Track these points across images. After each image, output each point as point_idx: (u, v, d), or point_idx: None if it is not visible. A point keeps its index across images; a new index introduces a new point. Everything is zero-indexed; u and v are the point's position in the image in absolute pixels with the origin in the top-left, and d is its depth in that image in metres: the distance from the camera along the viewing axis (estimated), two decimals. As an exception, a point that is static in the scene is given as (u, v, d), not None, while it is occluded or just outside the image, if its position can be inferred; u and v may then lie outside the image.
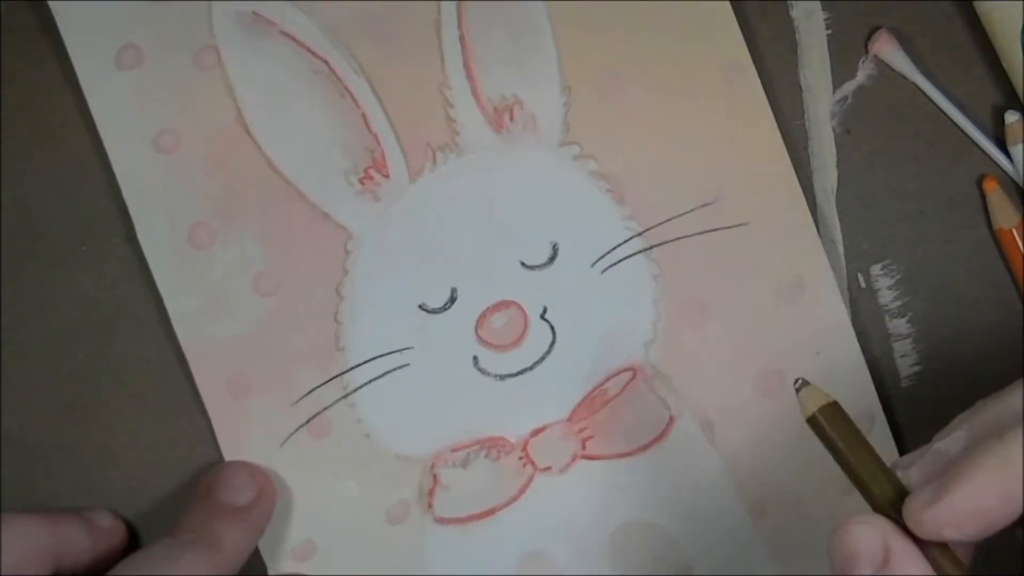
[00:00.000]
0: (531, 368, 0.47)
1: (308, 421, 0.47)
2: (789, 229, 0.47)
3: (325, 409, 0.47)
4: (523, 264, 0.47)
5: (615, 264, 0.47)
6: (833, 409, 0.38)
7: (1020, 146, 0.47)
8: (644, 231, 0.47)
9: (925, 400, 0.48)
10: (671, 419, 0.47)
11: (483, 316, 0.47)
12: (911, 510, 0.36)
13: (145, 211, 0.47)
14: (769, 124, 0.47)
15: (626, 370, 0.47)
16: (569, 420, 0.47)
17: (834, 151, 0.48)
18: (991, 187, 0.47)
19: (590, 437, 0.47)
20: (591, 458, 0.47)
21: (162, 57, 0.47)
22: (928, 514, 0.36)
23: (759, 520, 0.47)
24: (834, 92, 0.48)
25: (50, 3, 0.47)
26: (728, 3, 0.47)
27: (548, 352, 0.47)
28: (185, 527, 0.44)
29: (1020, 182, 0.48)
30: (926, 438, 0.48)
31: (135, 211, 0.47)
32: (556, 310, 0.47)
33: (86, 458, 0.48)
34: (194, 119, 0.47)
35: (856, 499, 0.45)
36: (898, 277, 0.48)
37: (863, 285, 0.48)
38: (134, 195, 0.47)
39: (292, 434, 0.47)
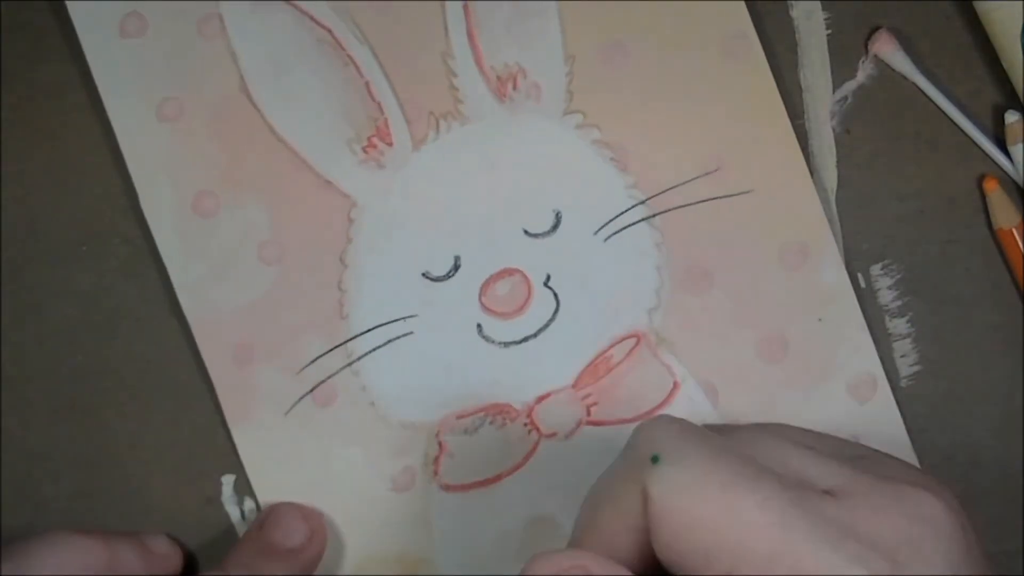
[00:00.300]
0: (535, 335, 0.47)
1: (313, 389, 0.47)
2: (792, 196, 0.47)
3: (330, 377, 0.47)
4: (526, 232, 0.47)
5: (618, 232, 0.47)
6: None
7: (1020, 146, 0.47)
8: (647, 199, 0.47)
9: (925, 400, 0.48)
10: (675, 385, 0.47)
11: (487, 284, 0.47)
12: None
13: (149, 180, 0.47)
14: (771, 93, 0.47)
15: (630, 337, 0.47)
16: (573, 386, 0.47)
17: (834, 151, 0.49)
18: (991, 187, 0.48)
19: (594, 403, 0.47)
20: (596, 424, 0.47)
21: (165, 26, 0.47)
22: None
23: None
24: (834, 92, 0.48)
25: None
26: None
27: (552, 319, 0.47)
28: (234, 562, 0.44)
29: (1020, 182, 0.48)
30: (926, 438, 0.49)
31: (138, 180, 0.47)
32: (559, 277, 0.47)
33: (86, 458, 0.48)
34: (197, 88, 0.47)
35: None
36: (898, 277, 0.48)
37: (863, 285, 0.48)
38: (138, 164, 0.47)
39: (297, 402, 0.47)
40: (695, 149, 0.47)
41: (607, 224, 0.47)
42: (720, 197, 0.47)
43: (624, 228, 0.47)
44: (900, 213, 0.48)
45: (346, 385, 0.47)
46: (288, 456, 0.47)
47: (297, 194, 0.47)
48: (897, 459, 0.41)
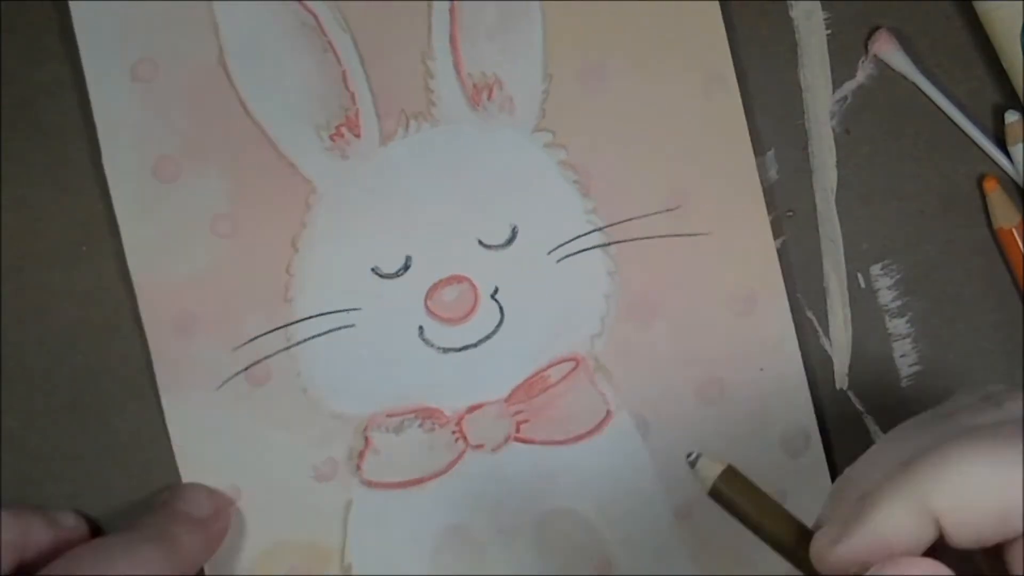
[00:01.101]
0: (475, 345, 0.47)
1: (248, 368, 0.47)
2: (749, 245, 0.47)
3: (266, 358, 0.47)
4: (481, 242, 0.47)
5: (572, 255, 0.47)
6: (731, 473, 0.37)
7: (1020, 146, 0.48)
8: (605, 226, 0.47)
9: (925, 400, 0.48)
10: (608, 414, 0.47)
11: (434, 287, 0.47)
12: (815, 549, 0.35)
13: (114, 137, 0.47)
14: (743, 138, 0.47)
15: (569, 359, 0.47)
16: (507, 401, 0.47)
17: (834, 151, 0.49)
18: (991, 186, 0.48)
19: (525, 421, 0.47)
20: (524, 441, 0.47)
21: None
22: (832, 552, 0.35)
23: (683, 522, 0.47)
24: (834, 92, 0.49)
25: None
26: (719, 15, 0.47)
27: (494, 331, 0.47)
28: (144, 523, 0.44)
29: (1020, 182, 0.48)
30: None
31: (103, 136, 0.47)
32: (507, 291, 0.47)
33: (86, 458, 0.48)
34: (175, 52, 0.47)
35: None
36: (898, 277, 0.49)
37: (863, 285, 0.48)
38: (105, 120, 0.47)
39: (230, 378, 0.47)
40: (659, 183, 0.47)
41: (562, 246, 0.47)
42: (678, 235, 0.47)
43: (578, 252, 0.47)
44: (900, 213, 0.49)
45: (281, 368, 0.47)
46: (215, 431, 0.47)
47: (258, 172, 0.47)
48: None
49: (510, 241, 0.47)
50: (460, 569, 0.47)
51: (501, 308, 0.47)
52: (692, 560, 0.47)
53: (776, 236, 0.48)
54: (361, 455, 0.47)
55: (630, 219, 0.47)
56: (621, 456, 0.47)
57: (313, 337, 0.47)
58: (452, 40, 0.47)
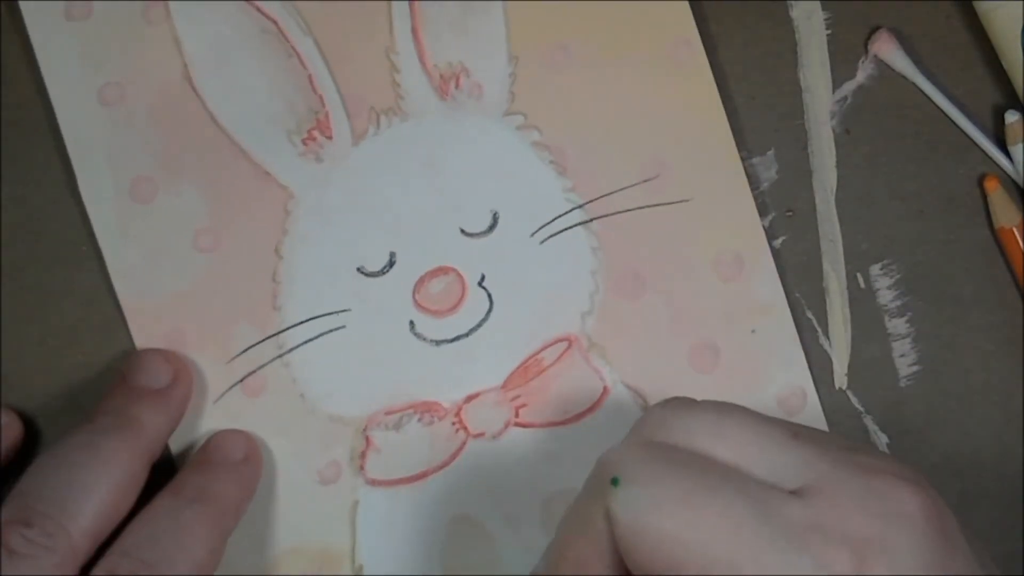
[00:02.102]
0: (467, 335, 0.47)
1: (242, 379, 0.47)
2: (730, 207, 0.47)
3: (260, 368, 0.47)
4: (463, 231, 0.47)
5: (555, 235, 0.47)
6: None
7: (1020, 146, 0.48)
8: (585, 203, 0.47)
9: (924, 400, 0.48)
10: (605, 390, 0.47)
11: (421, 281, 0.47)
12: None
13: (87, 163, 0.47)
14: (713, 101, 0.47)
15: (561, 340, 0.47)
16: (503, 387, 0.47)
17: (834, 151, 0.49)
18: (992, 186, 0.48)
19: (523, 405, 0.47)
20: (524, 426, 0.47)
21: (110, 9, 0.47)
22: None
23: None
24: (834, 92, 0.49)
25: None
26: None
27: (484, 319, 0.47)
28: (103, 411, 0.44)
29: (1020, 182, 0.48)
30: (926, 439, 0.49)
31: (77, 163, 0.47)
32: (494, 278, 0.47)
33: None
34: (140, 73, 0.47)
35: None
36: (898, 277, 0.49)
37: (862, 285, 0.48)
38: (76, 146, 0.47)
39: (226, 391, 0.47)
40: (635, 155, 0.47)
41: (544, 227, 0.47)
42: (658, 205, 0.47)
43: (560, 231, 0.47)
44: (900, 213, 0.49)
45: (276, 376, 0.47)
46: None
47: (235, 183, 0.47)
48: (876, 449, 0.41)
49: (492, 227, 0.47)
50: (471, 560, 0.47)
51: (489, 295, 0.47)
52: None
53: (775, 237, 0.48)
54: (363, 455, 0.47)
55: (609, 194, 0.47)
56: (622, 431, 0.46)
57: (305, 343, 0.47)
58: (414, 32, 0.47)
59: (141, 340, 0.47)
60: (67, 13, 0.47)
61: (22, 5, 0.47)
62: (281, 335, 0.47)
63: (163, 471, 0.46)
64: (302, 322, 0.47)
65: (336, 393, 0.47)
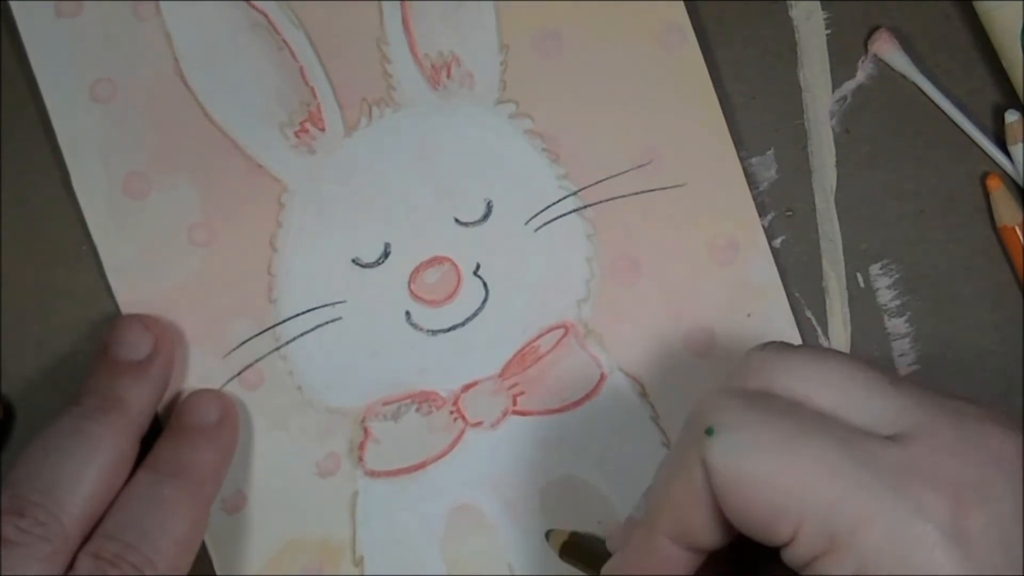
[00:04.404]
0: (463, 324, 0.47)
1: (240, 372, 0.47)
2: (724, 191, 0.47)
3: (257, 361, 0.47)
4: (457, 221, 0.47)
5: (549, 222, 0.47)
6: (574, 539, 0.46)
7: (1020, 145, 0.48)
8: (579, 190, 0.47)
9: None
10: (602, 376, 0.47)
11: (416, 271, 0.47)
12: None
13: (81, 160, 0.47)
14: (706, 87, 0.47)
15: (558, 327, 0.47)
16: (500, 376, 0.47)
17: (833, 151, 0.49)
18: (995, 185, 0.48)
19: (521, 393, 0.47)
20: (522, 414, 0.47)
21: (101, 6, 0.47)
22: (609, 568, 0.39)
23: None
24: (833, 92, 0.49)
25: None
26: None
27: (480, 308, 0.47)
28: (88, 390, 0.44)
29: (1020, 182, 0.48)
30: None
31: (70, 160, 0.47)
32: (489, 267, 0.47)
33: None
34: (131, 69, 0.47)
35: None
36: (897, 276, 0.49)
37: (862, 285, 0.49)
38: (69, 143, 0.47)
39: (224, 385, 0.47)
40: (628, 141, 0.47)
41: (538, 215, 0.47)
42: (652, 190, 0.47)
43: (555, 219, 0.47)
44: (899, 213, 0.49)
45: (273, 369, 0.47)
46: None
47: (228, 177, 0.47)
48: (973, 398, 0.41)
49: (486, 216, 0.47)
50: (472, 548, 0.47)
51: (485, 284, 0.47)
52: None
53: (775, 236, 0.48)
54: (362, 446, 0.47)
55: (603, 180, 0.47)
56: (620, 417, 0.47)
57: (301, 335, 0.47)
58: (405, 23, 0.47)
59: None
60: (57, 10, 0.47)
61: (12, 4, 0.47)
62: (277, 328, 0.47)
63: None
64: (298, 314, 0.47)
65: (333, 385, 0.47)
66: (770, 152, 0.49)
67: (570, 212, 0.47)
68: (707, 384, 0.47)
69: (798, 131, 0.49)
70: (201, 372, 0.47)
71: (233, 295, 0.47)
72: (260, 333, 0.47)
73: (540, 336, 0.47)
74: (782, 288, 0.47)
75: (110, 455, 0.43)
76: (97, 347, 0.46)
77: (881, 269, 0.49)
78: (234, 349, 0.47)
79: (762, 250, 0.47)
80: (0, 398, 0.47)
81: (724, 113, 0.48)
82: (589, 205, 0.47)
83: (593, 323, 0.47)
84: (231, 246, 0.47)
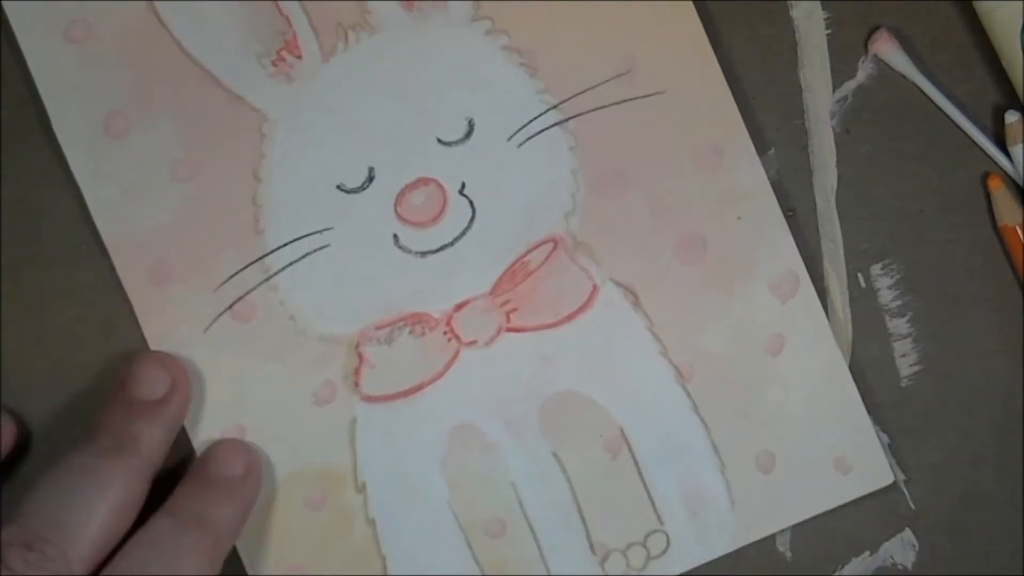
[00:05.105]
0: (451, 244, 0.47)
1: (231, 306, 0.47)
2: (705, 97, 0.47)
3: (248, 293, 0.47)
4: (440, 141, 0.47)
5: (532, 137, 0.47)
6: None
7: (1020, 146, 0.48)
8: (559, 103, 0.47)
9: (926, 401, 0.49)
10: (594, 288, 0.47)
11: (401, 194, 0.47)
12: None
13: (60, 103, 0.47)
14: None
15: (547, 241, 0.47)
16: (492, 293, 0.47)
17: (834, 151, 0.49)
18: (996, 185, 0.48)
19: (514, 309, 0.47)
20: (516, 330, 0.47)
21: None
22: None
23: (687, 383, 0.47)
24: (834, 92, 0.49)
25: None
26: None
27: (468, 227, 0.47)
28: (103, 428, 0.44)
29: (1020, 182, 0.48)
30: (926, 438, 0.49)
31: (49, 103, 0.47)
32: (475, 185, 0.47)
33: None
34: (104, 9, 0.47)
35: (783, 359, 0.47)
36: (898, 277, 0.49)
37: (863, 285, 0.49)
38: (48, 87, 0.47)
39: (216, 319, 0.47)
40: (606, 51, 0.47)
41: (520, 130, 0.47)
42: (632, 99, 0.47)
43: (537, 133, 0.47)
44: (900, 213, 0.49)
45: (264, 300, 0.47)
46: (208, 373, 0.47)
47: (208, 111, 0.47)
48: None
49: (468, 135, 0.47)
50: (474, 467, 0.47)
51: (471, 203, 0.47)
52: (702, 419, 0.47)
53: None
54: (357, 372, 0.47)
55: (583, 92, 0.47)
56: (615, 328, 0.47)
57: (290, 264, 0.47)
58: None
59: (126, 275, 0.47)
60: None
61: None
62: (266, 258, 0.47)
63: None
64: (286, 244, 0.47)
65: (325, 312, 0.47)
66: (771, 152, 0.49)
67: (552, 126, 0.47)
68: (700, 291, 0.47)
69: (798, 131, 0.49)
70: (192, 308, 0.47)
71: (219, 229, 0.47)
72: (249, 265, 0.47)
73: (530, 251, 0.47)
74: (770, 189, 0.47)
75: (121, 496, 0.43)
76: (113, 383, 0.46)
77: (882, 269, 0.49)
78: (224, 282, 0.47)
79: (747, 153, 0.47)
80: (18, 421, 0.47)
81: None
82: (570, 118, 0.47)
83: (582, 235, 0.47)
84: (214, 180, 0.47)
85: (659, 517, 0.47)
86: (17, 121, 0.48)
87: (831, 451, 0.47)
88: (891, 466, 0.48)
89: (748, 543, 0.47)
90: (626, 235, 0.47)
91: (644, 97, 0.47)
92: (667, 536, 0.47)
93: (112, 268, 0.47)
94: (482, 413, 0.47)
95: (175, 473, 0.47)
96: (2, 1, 0.47)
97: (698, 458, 0.47)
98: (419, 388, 0.47)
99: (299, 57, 0.47)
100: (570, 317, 0.47)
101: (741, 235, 0.47)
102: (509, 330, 0.47)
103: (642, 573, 0.47)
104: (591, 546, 0.47)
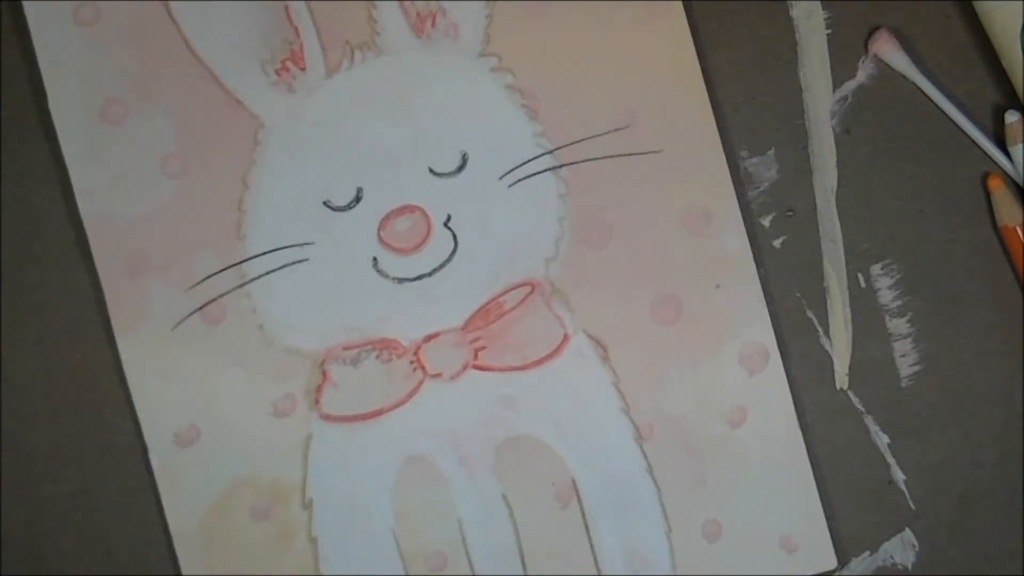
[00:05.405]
0: (430, 274, 0.48)
1: (203, 306, 0.48)
2: (700, 160, 0.48)
3: (221, 296, 0.48)
4: (431, 171, 0.48)
5: (523, 179, 0.48)
6: None
7: (1020, 146, 0.49)
8: (555, 149, 0.48)
9: (926, 400, 0.49)
10: (565, 337, 0.48)
11: (387, 218, 0.48)
12: None
13: (59, 82, 0.48)
14: (689, 55, 0.48)
15: (524, 284, 0.48)
16: (463, 329, 0.48)
17: (834, 151, 0.50)
18: (996, 185, 0.49)
19: (483, 347, 0.48)
20: (482, 368, 0.48)
21: None
22: None
23: (644, 443, 0.48)
24: (834, 92, 0.50)
25: None
26: None
27: (448, 260, 0.48)
28: None
29: (1020, 182, 0.49)
30: (926, 438, 0.50)
31: (49, 81, 0.48)
32: (460, 219, 0.48)
33: (86, 458, 0.49)
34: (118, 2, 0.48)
35: (744, 431, 0.48)
36: (898, 277, 0.49)
37: (863, 285, 0.49)
38: (50, 65, 0.48)
39: (185, 318, 0.48)
40: (608, 103, 0.48)
41: (513, 170, 0.48)
42: (629, 154, 0.48)
43: (529, 176, 0.48)
44: (900, 213, 0.49)
45: (236, 306, 0.48)
46: (171, 371, 0.48)
47: (206, 110, 0.48)
48: None
49: (461, 168, 0.48)
50: (423, 499, 0.48)
51: (455, 236, 0.48)
52: (655, 481, 0.48)
53: (776, 236, 0.49)
54: (319, 389, 0.48)
55: (580, 141, 0.48)
56: (580, 379, 0.48)
57: (267, 273, 0.48)
58: None
59: (102, 262, 0.47)
60: None
61: None
62: (244, 265, 0.48)
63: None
64: (265, 252, 0.48)
65: (295, 326, 0.48)
66: (770, 152, 0.49)
67: (545, 170, 0.48)
68: (670, 353, 0.48)
69: (798, 131, 0.49)
70: (164, 303, 0.48)
71: (201, 228, 0.48)
72: (226, 268, 0.48)
73: (506, 292, 0.48)
74: (753, 261, 0.48)
75: None
76: None
77: (882, 269, 0.49)
78: (199, 283, 0.48)
79: (735, 221, 0.48)
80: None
81: (724, 113, 0.49)
82: (564, 165, 0.48)
83: (560, 283, 0.48)
84: (203, 179, 0.48)
85: (599, 571, 0.48)
86: (16, 123, 0.49)
87: (779, 528, 0.48)
88: (834, 549, 0.48)
89: (684, 610, 0.48)
90: (604, 288, 0.48)
91: (641, 154, 0.48)
92: (605, 592, 0.48)
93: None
94: (438, 446, 0.48)
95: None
96: (16, -25, 0.48)
97: (646, 518, 0.48)
98: (378, 413, 0.48)
99: (303, 69, 0.48)
100: (538, 362, 0.48)
101: (718, 303, 0.48)
102: (475, 367, 0.48)
103: (575, 626, 0.47)
104: (529, 592, 0.48)
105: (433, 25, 0.48)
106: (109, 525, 0.48)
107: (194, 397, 0.47)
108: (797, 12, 0.49)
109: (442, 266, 0.48)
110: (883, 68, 0.49)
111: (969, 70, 0.49)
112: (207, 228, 0.48)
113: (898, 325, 0.49)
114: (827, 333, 0.49)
